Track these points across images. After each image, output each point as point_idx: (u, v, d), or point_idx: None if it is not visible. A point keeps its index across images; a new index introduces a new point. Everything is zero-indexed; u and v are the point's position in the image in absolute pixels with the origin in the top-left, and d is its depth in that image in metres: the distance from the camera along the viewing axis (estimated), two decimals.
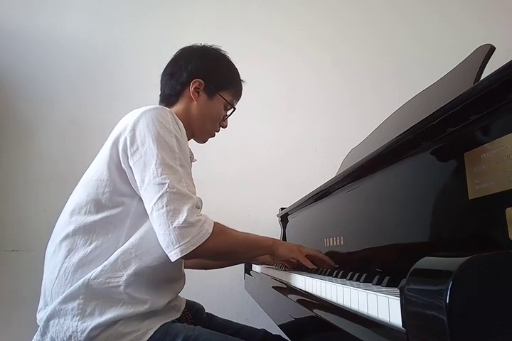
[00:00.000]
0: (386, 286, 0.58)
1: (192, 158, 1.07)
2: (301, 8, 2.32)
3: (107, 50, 2.13)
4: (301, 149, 2.17)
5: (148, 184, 0.84)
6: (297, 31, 2.29)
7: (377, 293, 0.46)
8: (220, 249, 0.89)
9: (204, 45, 1.12)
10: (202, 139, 1.14)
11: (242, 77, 1.15)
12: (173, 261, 0.83)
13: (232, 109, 1.13)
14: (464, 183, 0.54)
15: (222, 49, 1.13)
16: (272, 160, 2.14)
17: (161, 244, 0.83)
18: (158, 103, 1.12)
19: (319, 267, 1.02)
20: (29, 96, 2.03)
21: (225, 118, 1.13)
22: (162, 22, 2.18)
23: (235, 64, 1.14)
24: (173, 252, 0.81)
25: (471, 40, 1.94)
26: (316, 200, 1.23)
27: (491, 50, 0.79)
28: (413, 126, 0.66)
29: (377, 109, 1.78)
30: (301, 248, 1.06)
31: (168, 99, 1.09)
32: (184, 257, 0.82)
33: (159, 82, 1.13)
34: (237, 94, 1.13)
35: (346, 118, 2.22)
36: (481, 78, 0.72)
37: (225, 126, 1.14)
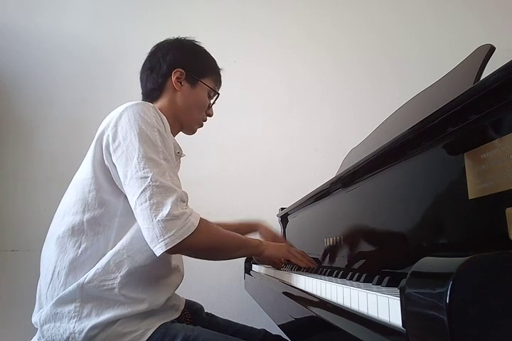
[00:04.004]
0: (386, 286, 0.58)
1: (181, 154, 1.06)
2: (301, 8, 2.32)
3: (107, 50, 2.13)
4: (301, 149, 2.17)
5: (131, 178, 0.83)
6: (297, 31, 2.29)
7: (377, 293, 0.46)
8: (207, 243, 0.87)
9: (178, 38, 1.12)
10: (191, 130, 1.13)
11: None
12: (158, 255, 0.80)
13: (216, 96, 1.14)
14: (464, 183, 0.54)
15: (196, 40, 1.13)
16: (272, 160, 2.14)
17: (145, 238, 0.81)
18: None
19: (302, 266, 1.07)
20: (29, 96, 2.03)
21: (210, 106, 1.14)
22: (162, 22, 2.18)
23: (212, 54, 1.14)
24: (157, 246, 0.79)
25: (471, 40, 1.95)
26: (316, 200, 1.23)
27: (490, 50, 0.79)
28: (413, 126, 0.66)
29: (377, 109, 1.78)
30: (289, 247, 1.08)
31: (151, 94, 1.09)
32: (169, 251, 0.79)
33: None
34: (217, 80, 1.14)
35: (346, 118, 2.22)
36: (481, 78, 0.72)
37: (211, 115, 1.15)
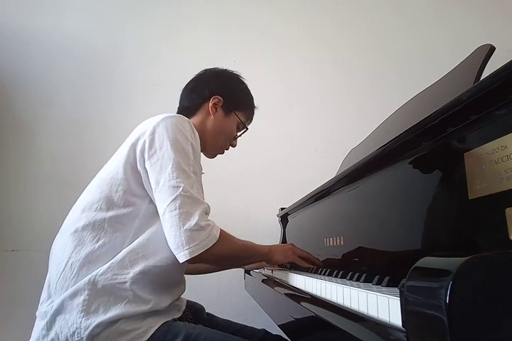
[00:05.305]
0: (386, 286, 0.58)
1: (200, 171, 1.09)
2: (301, 8, 2.32)
3: (107, 50, 2.13)
4: (301, 149, 2.17)
5: (163, 186, 0.87)
6: (297, 31, 2.29)
7: (377, 293, 0.46)
8: (224, 254, 0.92)
9: (226, 69, 1.20)
10: (211, 154, 1.19)
11: (251, 91, 1.23)
12: (181, 262, 0.85)
13: (244, 130, 1.20)
14: (464, 183, 0.54)
15: (241, 75, 1.21)
16: (272, 160, 2.14)
17: (170, 244, 0.85)
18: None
19: (307, 266, 1.10)
20: (29, 96, 2.03)
21: (235, 137, 1.19)
22: (162, 22, 2.18)
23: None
24: (182, 253, 0.83)
25: (471, 40, 1.95)
26: (316, 200, 1.23)
27: (490, 50, 0.79)
28: (413, 126, 0.66)
29: (377, 109, 1.78)
30: (294, 250, 1.12)
31: (186, 111, 1.14)
32: (191, 259, 0.84)
33: (179, 96, 1.19)
34: (250, 116, 1.22)
35: (346, 118, 2.22)
36: (481, 78, 0.72)
37: (234, 145, 1.21)
